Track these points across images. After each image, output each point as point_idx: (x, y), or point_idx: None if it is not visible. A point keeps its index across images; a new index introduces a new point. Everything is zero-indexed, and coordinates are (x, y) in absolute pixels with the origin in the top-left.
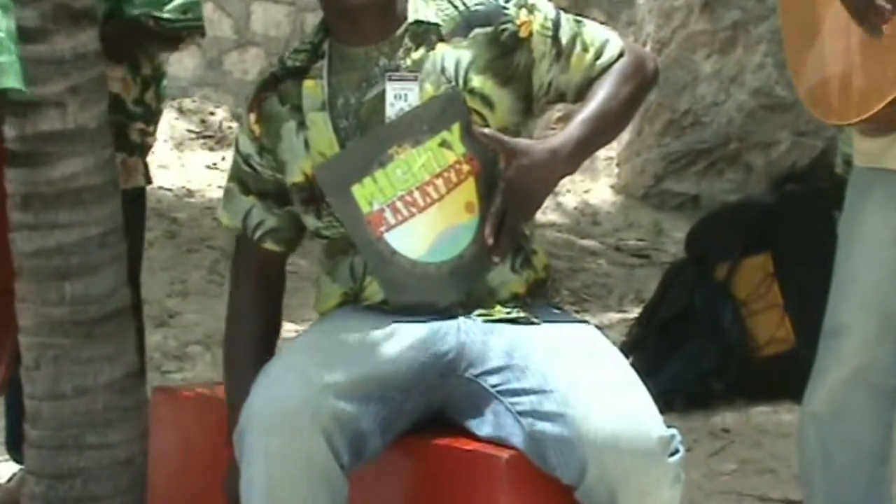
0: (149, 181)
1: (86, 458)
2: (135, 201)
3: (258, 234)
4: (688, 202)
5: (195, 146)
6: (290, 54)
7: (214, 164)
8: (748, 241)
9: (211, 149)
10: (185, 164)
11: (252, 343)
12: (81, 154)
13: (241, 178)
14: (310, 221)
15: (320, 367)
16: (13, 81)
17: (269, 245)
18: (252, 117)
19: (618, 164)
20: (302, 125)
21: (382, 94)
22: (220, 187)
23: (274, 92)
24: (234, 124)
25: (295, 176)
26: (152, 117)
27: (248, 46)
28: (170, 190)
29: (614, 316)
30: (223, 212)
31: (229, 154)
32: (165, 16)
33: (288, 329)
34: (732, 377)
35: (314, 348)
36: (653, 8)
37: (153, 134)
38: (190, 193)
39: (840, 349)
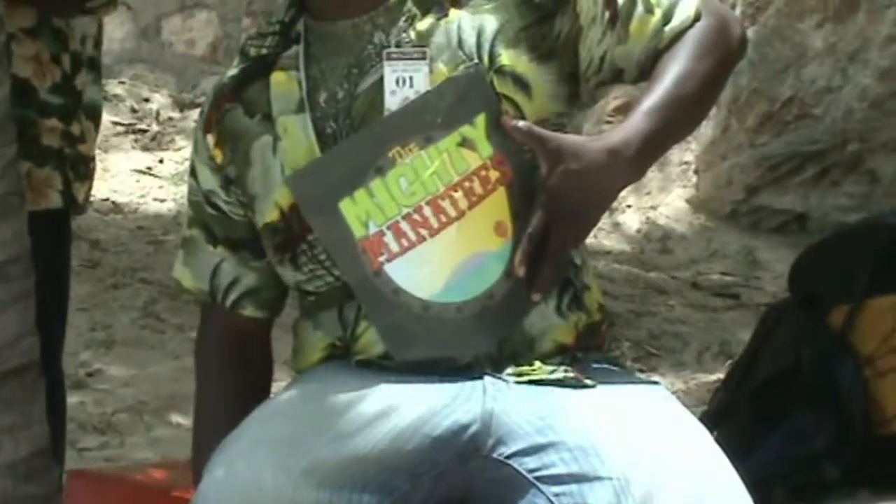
0: (73, 204)
1: None
2: (49, 232)
3: (232, 297)
4: (791, 223)
5: (124, 144)
6: (251, 41)
7: (149, 168)
8: (874, 277)
9: (145, 147)
10: (110, 168)
11: None
12: None
13: (204, 223)
14: (287, 275)
15: (298, 445)
16: None
17: (248, 311)
18: (210, 139)
19: (696, 172)
20: (276, 140)
21: (381, 82)
22: (157, 200)
23: (236, 101)
24: (176, 115)
25: (268, 213)
26: (82, 113)
27: (194, 9)
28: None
29: (692, 376)
30: (182, 269)
31: (169, 156)
32: None
33: None
34: (853, 460)
35: (290, 419)
36: None
37: (86, 140)
38: (116, 208)
39: None
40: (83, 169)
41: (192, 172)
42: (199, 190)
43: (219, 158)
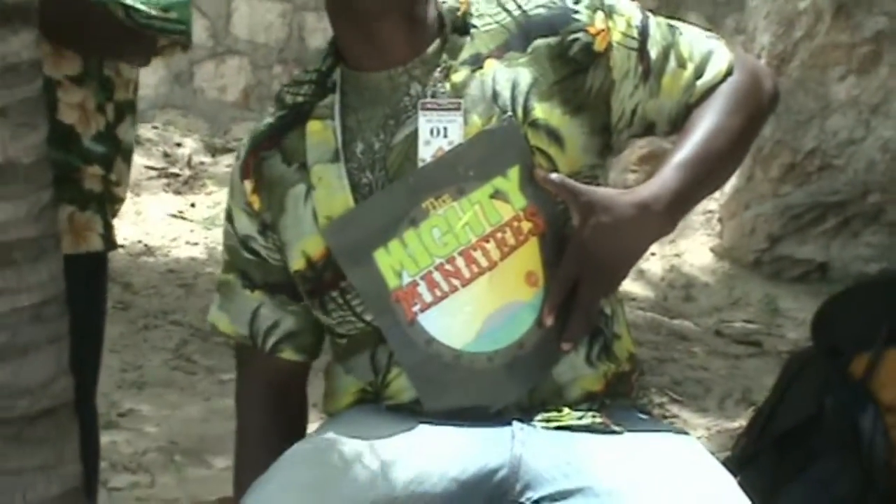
0: (111, 246)
1: None
2: (89, 271)
3: (272, 340)
4: (813, 272)
5: (156, 188)
6: (288, 88)
7: (181, 212)
8: (894, 327)
9: (177, 192)
10: (142, 211)
11: None
12: (11, 198)
13: (241, 268)
14: (320, 318)
15: (327, 488)
16: None
17: (287, 355)
18: (248, 186)
19: (720, 220)
20: (310, 189)
21: (416, 133)
22: (189, 244)
23: (274, 148)
24: (208, 159)
25: (296, 261)
26: (120, 159)
27: (227, 55)
28: (122, 247)
29: (714, 422)
30: (219, 313)
31: (201, 200)
32: (141, 7)
33: None
34: None
35: (319, 463)
36: (770, 12)
37: (121, 183)
38: (148, 251)
39: None
40: (115, 210)
41: (229, 217)
42: (235, 235)
43: (256, 205)
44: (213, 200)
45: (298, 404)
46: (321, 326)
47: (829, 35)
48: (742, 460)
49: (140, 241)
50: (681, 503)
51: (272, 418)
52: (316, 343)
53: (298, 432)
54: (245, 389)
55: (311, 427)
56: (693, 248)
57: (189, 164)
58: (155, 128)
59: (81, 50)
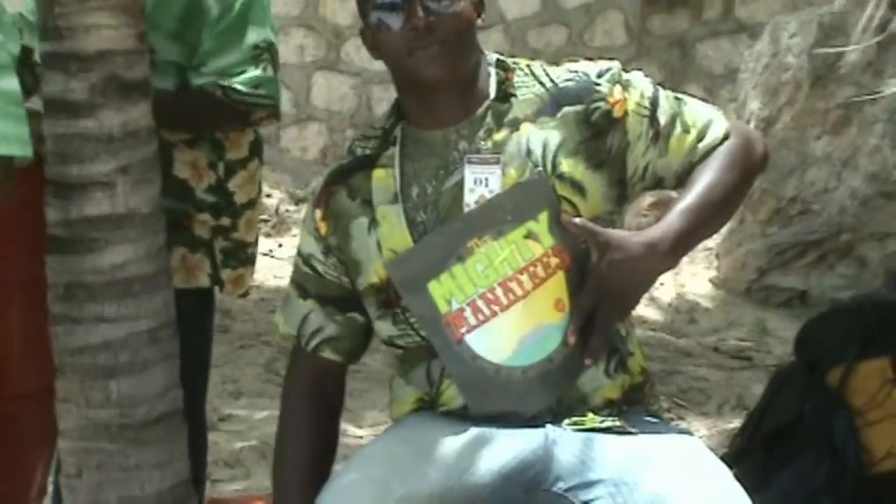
0: (217, 283)
1: None
2: (198, 303)
3: (315, 342)
4: (795, 299)
5: None
6: (358, 141)
7: (270, 251)
8: (864, 344)
9: (267, 235)
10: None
11: (305, 466)
12: (131, 240)
13: (300, 282)
14: (384, 329)
15: (395, 478)
16: (17, 149)
17: (326, 354)
18: (318, 214)
19: (717, 256)
20: (373, 222)
21: (462, 182)
22: (276, 277)
23: (343, 185)
24: (293, 207)
25: (370, 277)
26: (232, 211)
27: (308, 121)
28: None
29: (713, 424)
30: (279, 316)
31: (287, 241)
32: (236, 86)
33: (353, 433)
34: (846, 496)
35: (388, 457)
36: (757, 83)
37: (236, 229)
38: None
39: None
40: (241, 255)
41: (301, 240)
42: (299, 253)
43: (322, 230)
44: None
45: (333, 393)
46: (360, 336)
47: (807, 102)
48: (736, 456)
49: None
50: (684, 490)
51: (309, 401)
52: (352, 349)
53: (333, 417)
54: (290, 378)
55: (354, 429)
56: (695, 279)
57: (276, 212)
58: None
59: (187, 130)
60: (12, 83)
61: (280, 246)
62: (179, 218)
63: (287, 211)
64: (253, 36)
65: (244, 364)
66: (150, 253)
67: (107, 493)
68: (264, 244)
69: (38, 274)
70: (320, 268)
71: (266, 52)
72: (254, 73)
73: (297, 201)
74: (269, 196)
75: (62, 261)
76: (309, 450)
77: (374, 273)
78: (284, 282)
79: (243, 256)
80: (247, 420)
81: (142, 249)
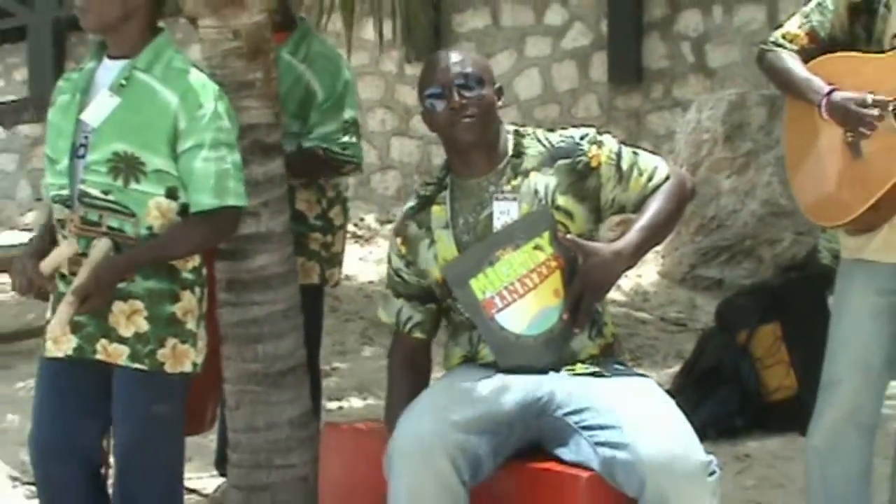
0: (324, 282)
1: (273, 475)
2: (311, 295)
3: (408, 326)
4: (714, 285)
5: (350, 243)
6: (421, 187)
7: (363, 257)
8: (762, 314)
9: (362, 245)
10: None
11: (405, 407)
12: (270, 251)
13: (394, 286)
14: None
15: (448, 408)
16: (241, 200)
17: (416, 334)
18: (399, 240)
19: (662, 256)
20: (432, 242)
21: (492, 214)
22: (367, 273)
23: (413, 220)
24: (379, 227)
25: (434, 278)
26: (332, 231)
27: (388, 169)
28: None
29: (661, 370)
30: (382, 311)
31: (376, 249)
32: (334, 148)
33: None
34: (751, 416)
35: (443, 394)
36: (687, 140)
37: (334, 244)
38: (348, 278)
39: (834, 397)
40: (335, 261)
41: (389, 259)
42: (391, 267)
43: (403, 251)
44: (382, 251)
45: (422, 361)
46: (437, 319)
47: (721, 152)
48: (677, 390)
49: (344, 274)
50: (642, 412)
51: (407, 368)
52: (433, 329)
53: (425, 378)
54: (393, 353)
55: (435, 376)
56: (647, 272)
57: (368, 229)
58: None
59: (302, 177)
60: (238, 157)
61: (370, 253)
62: (298, 237)
63: (375, 230)
64: (346, 114)
65: (347, 332)
66: (282, 259)
67: (256, 420)
68: (359, 251)
69: (210, 273)
70: (405, 275)
71: (353, 126)
72: (344, 139)
73: (382, 223)
74: (362, 219)
75: (225, 264)
76: (407, 399)
77: (433, 277)
78: (374, 276)
79: (336, 261)
80: (349, 370)
81: (277, 256)
